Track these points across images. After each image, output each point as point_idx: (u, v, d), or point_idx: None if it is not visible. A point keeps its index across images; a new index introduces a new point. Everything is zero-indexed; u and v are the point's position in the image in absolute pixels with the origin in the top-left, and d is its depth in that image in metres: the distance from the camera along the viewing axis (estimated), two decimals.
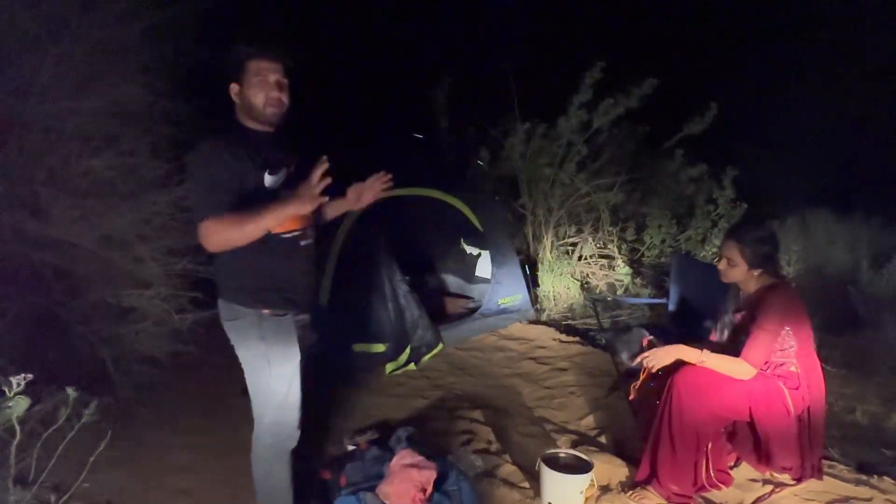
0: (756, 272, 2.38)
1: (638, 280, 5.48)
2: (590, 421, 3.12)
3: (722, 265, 2.45)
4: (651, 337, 2.61)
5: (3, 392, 1.76)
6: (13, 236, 2.82)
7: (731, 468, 2.53)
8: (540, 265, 5.40)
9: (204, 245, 1.73)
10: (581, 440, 2.91)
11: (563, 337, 4.30)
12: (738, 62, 8.56)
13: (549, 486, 2.33)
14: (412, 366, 3.82)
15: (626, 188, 5.68)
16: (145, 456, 2.80)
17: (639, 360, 2.39)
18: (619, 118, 5.23)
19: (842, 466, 2.58)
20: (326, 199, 1.76)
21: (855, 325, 4.09)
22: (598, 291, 5.35)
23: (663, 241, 5.74)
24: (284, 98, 1.89)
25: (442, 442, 2.86)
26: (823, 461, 2.50)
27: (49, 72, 2.83)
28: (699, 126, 5.49)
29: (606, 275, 5.55)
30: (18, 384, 1.75)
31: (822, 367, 2.41)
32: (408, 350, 3.82)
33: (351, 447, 2.80)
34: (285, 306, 1.92)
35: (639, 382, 2.46)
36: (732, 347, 2.34)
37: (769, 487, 2.43)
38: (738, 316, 2.49)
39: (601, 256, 5.70)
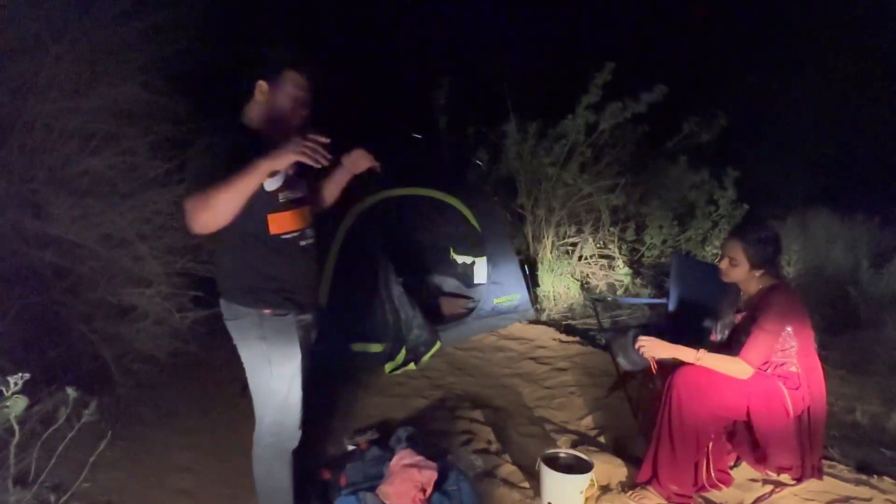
0: (758, 273, 2.38)
1: (638, 280, 5.47)
2: (590, 421, 3.12)
3: (724, 264, 2.45)
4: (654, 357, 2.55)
5: (2, 392, 1.75)
6: (13, 235, 2.82)
7: (731, 468, 2.53)
8: (540, 265, 5.40)
9: (191, 226, 1.65)
10: (581, 440, 2.91)
11: (563, 337, 4.29)
12: (739, 62, 8.56)
13: (549, 486, 2.33)
14: (412, 365, 3.82)
15: (628, 189, 5.67)
16: (145, 456, 2.80)
17: (637, 346, 2.39)
18: (624, 119, 5.22)
19: (842, 466, 2.58)
20: (306, 152, 1.63)
21: (855, 325, 4.09)
22: (598, 291, 5.35)
23: (664, 242, 5.74)
24: (307, 116, 1.91)
25: (442, 442, 2.86)
26: (823, 461, 2.50)
27: (49, 71, 2.83)
28: (707, 136, 5.50)
29: (606, 275, 5.55)
30: (16, 383, 1.74)
31: (823, 367, 2.41)
32: (404, 350, 3.82)
33: (351, 447, 2.80)
34: (286, 306, 1.92)
35: (653, 368, 2.44)
36: (732, 348, 2.34)
37: (769, 487, 2.43)
38: (739, 316, 2.49)
39: (601, 256, 5.70)
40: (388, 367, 3.76)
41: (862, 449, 2.77)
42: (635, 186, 5.69)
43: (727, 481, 2.45)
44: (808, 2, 7.97)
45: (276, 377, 1.92)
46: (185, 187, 1.70)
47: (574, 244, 5.67)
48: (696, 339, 2.58)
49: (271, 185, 1.84)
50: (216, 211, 1.62)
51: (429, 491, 2.25)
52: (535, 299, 4.91)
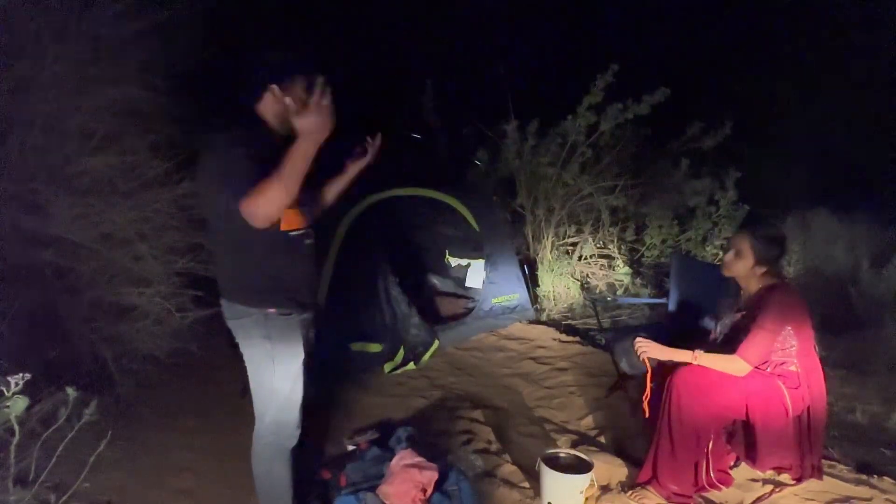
0: (760, 270, 2.38)
1: (638, 280, 5.47)
2: (590, 421, 3.12)
3: (728, 256, 2.45)
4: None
5: (2, 392, 1.75)
6: (13, 235, 2.82)
7: (731, 468, 2.54)
8: (540, 265, 5.40)
9: (253, 222, 1.68)
10: (581, 440, 2.91)
11: (563, 337, 4.29)
12: (740, 62, 8.55)
13: (549, 486, 2.33)
14: (412, 365, 3.82)
15: (628, 190, 5.67)
16: (145, 456, 2.80)
17: (635, 347, 2.41)
18: (625, 120, 5.22)
19: (842, 466, 2.58)
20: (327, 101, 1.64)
21: (855, 325, 4.09)
22: (598, 291, 5.35)
23: (663, 242, 5.73)
24: None
25: (442, 442, 2.86)
26: (823, 461, 2.50)
27: (49, 70, 2.82)
28: (712, 141, 5.50)
29: (606, 275, 5.55)
30: (17, 383, 1.74)
31: (822, 367, 2.41)
32: (402, 349, 3.82)
33: (351, 447, 2.80)
34: (291, 305, 1.93)
35: (647, 391, 2.45)
36: (732, 347, 2.34)
37: (769, 487, 2.43)
38: (739, 315, 2.49)
39: (601, 256, 5.70)
40: (387, 367, 3.76)
41: (862, 449, 2.77)
42: (635, 187, 5.69)
43: (727, 481, 2.45)
44: (808, 2, 7.97)
45: (279, 376, 1.93)
46: (234, 191, 1.68)
47: (574, 244, 5.67)
48: (696, 338, 2.59)
49: None
50: (281, 202, 1.66)
51: (429, 491, 2.25)
52: (535, 299, 4.91)
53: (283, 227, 1.87)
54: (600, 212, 5.63)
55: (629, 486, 2.47)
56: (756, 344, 2.25)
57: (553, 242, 5.53)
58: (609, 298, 4.88)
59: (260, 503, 2.08)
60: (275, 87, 1.86)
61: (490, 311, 4.46)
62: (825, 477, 2.45)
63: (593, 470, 2.34)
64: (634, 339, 2.45)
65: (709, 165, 5.61)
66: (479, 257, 4.80)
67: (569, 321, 4.81)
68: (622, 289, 5.41)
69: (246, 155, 1.73)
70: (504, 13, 8.38)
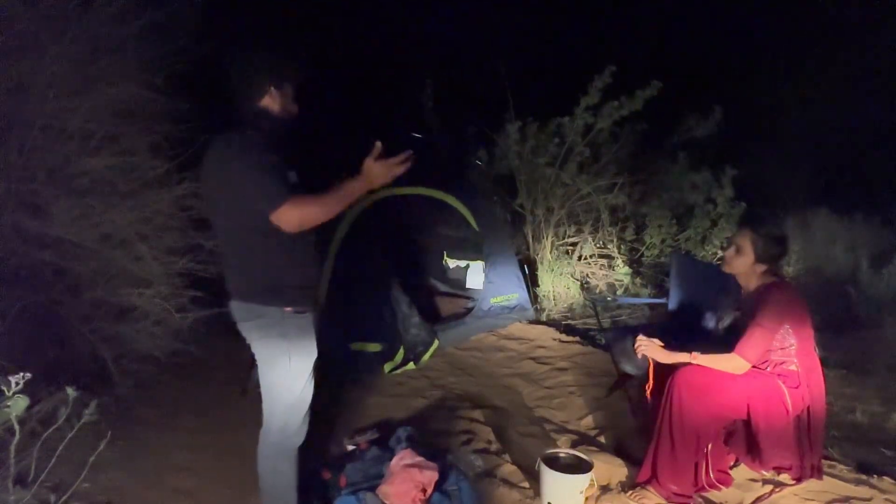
0: (760, 268, 2.38)
1: (638, 280, 5.48)
2: (590, 421, 3.12)
3: (729, 252, 2.46)
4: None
5: (2, 392, 1.75)
6: (13, 235, 2.82)
7: (731, 468, 2.54)
8: (540, 265, 5.40)
9: (285, 227, 1.78)
10: (581, 440, 2.91)
11: (563, 337, 4.29)
12: (740, 61, 8.55)
13: (549, 486, 2.33)
14: (411, 365, 3.82)
15: (627, 188, 5.68)
16: (145, 456, 2.80)
17: (635, 346, 2.43)
18: (622, 118, 5.23)
19: (842, 466, 2.58)
20: (400, 170, 1.93)
21: (855, 325, 4.09)
22: (598, 291, 5.35)
23: (663, 241, 5.73)
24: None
25: (442, 442, 2.86)
26: (823, 461, 2.50)
27: (48, 71, 2.82)
28: (703, 131, 5.50)
29: (606, 275, 5.55)
30: (17, 383, 1.74)
31: (822, 367, 2.41)
32: (402, 349, 3.82)
33: (351, 447, 2.80)
34: (306, 303, 1.96)
35: (650, 382, 2.47)
36: (731, 346, 2.34)
37: (769, 487, 2.43)
38: (738, 314, 2.49)
39: (601, 256, 5.70)
40: (387, 366, 3.76)
41: (862, 449, 2.77)
42: (634, 186, 5.69)
43: (727, 481, 2.45)
44: (809, 1, 7.97)
45: (293, 374, 1.95)
46: (268, 202, 1.77)
47: (574, 244, 5.67)
48: (696, 338, 2.59)
49: (293, 178, 1.90)
50: (315, 220, 1.83)
51: (429, 491, 2.25)
52: (534, 299, 4.91)
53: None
54: (600, 211, 5.63)
55: (629, 486, 2.47)
56: (754, 341, 2.25)
57: (553, 242, 5.53)
58: (609, 298, 4.88)
59: (263, 502, 2.08)
60: (272, 89, 1.92)
61: (489, 310, 4.46)
62: (825, 477, 2.45)
63: (593, 470, 2.34)
64: (635, 339, 2.47)
65: (708, 164, 5.61)
66: (478, 258, 4.80)
67: (569, 321, 4.81)
68: (622, 289, 5.41)
69: (273, 162, 1.82)
70: (504, 13, 8.38)
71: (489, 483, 2.53)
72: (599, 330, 4.27)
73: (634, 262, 5.73)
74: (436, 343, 3.99)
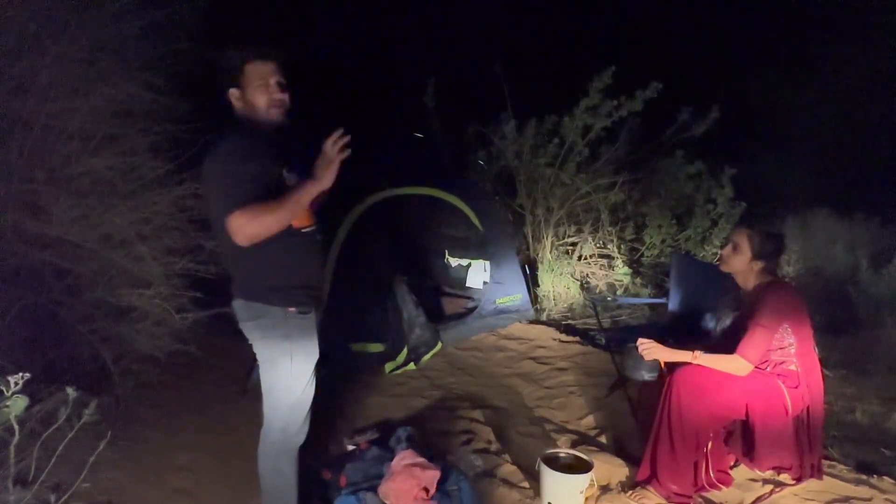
0: (757, 265, 2.39)
1: (638, 280, 5.47)
2: (590, 421, 3.12)
3: (726, 251, 2.46)
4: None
5: (2, 392, 1.75)
6: (13, 235, 2.82)
7: (731, 468, 2.54)
8: (540, 265, 5.40)
9: (235, 238, 1.71)
10: (581, 440, 2.91)
11: (563, 337, 4.29)
12: (740, 61, 8.56)
13: (549, 486, 2.33)
14: (412, 365, 3.82)
15: (626, 187, 5.68)
16: (145, 456, 2.79)
17: (638, 350, 2.41)
18: (621, 118, 5.23)
19: (842, 466, 2.58)
20: (341, 155, 1.80)
21: (855, 325, 4.09)
22: (597, 291, 5.35)
23: (663, 241, 5.73)
24: (286, 98, 1.91)
25: (442, 442, 2.86)
26: (823, 461, 2.50)
27: (48, 71, 2.82)
28: (700, 128, 5.50)
29: (606, 275, 5.55)
30: (16, 383, 1.74)
31: (822, 367, 2.41)
32: (405, 350, 3.81)
33: (351, 447, 2.80)
34: (309, 303, 1.95)
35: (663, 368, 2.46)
36: (731, 347, 2.34)
37: (769, 487, 2.43)
38: (738, 314, 2.49)
39: (601, 256, 5.70)
40: (388, 366, 3.76)
41: (862, 449, 2.77)
42: (633, 183, 5.69)
43: (727, 481, 2.45)
44: (809, 1, 7.98)
45: (295, 375, 1.95)
46: (224, 204, 1.71)
47: (574, 244, 5.67)
48: (696, 338, 2.59)
49: (290, 179, 1.88)
50: (264, 231, 1.73)
51: (432, 491, 2.25)
52: (534, 299, 4.91)
53: (296, 225, 1.89)
54: (599, 211, 5.63)
55: (629, 486, 2.47)
56: (754, 341, 2.25)
57: (553, 242, 5.53)
58: (609, 298, 4.88)
59: (263, 502, 2.09)
60: (233, 90, 1.88)
61: (491, 310, 4.46)
62: (825, 477, 2.45)
63: (593, 470, 2.34)
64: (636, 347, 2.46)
65: (704, 159, 5.61)
66: (480, 258, 4.80)
67: (569, 321, 4.82)
68: (622, 289, 5.41)
69: (242, 169, 1.74)
70: (504, 13, 8.38)
71: (489, 483, 2.54)
72: (599, 330, 4.27)
73: (634, 262, 5.73)
74: (438, 345, 3.99)
